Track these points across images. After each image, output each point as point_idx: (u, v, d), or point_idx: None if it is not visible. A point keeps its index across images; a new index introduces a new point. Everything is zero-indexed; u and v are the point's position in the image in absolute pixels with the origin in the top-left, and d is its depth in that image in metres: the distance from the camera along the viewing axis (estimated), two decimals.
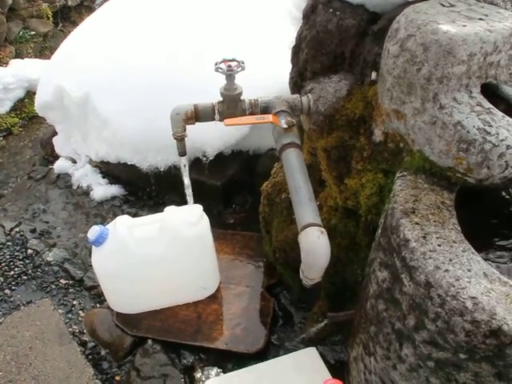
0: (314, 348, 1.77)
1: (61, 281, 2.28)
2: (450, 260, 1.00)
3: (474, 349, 0.94)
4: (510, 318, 0.89)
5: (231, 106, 1.55)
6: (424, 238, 1.05)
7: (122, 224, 1.85)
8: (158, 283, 1.91)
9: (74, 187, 2.93)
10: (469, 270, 0.98)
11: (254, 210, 2.27)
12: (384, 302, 1.18)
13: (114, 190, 2.85)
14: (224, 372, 1.83)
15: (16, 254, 2.44)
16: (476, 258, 1.02)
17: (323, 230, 1.21)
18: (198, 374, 1.83)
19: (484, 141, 1.09)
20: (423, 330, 1.04)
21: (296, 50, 1.71)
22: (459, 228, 1.09)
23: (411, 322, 1.07)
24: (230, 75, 1.50)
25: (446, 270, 0.98)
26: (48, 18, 5.12)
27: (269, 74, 2.30)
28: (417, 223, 1.09)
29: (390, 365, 1.19)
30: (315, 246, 1.19)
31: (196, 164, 2.45)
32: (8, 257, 2.42)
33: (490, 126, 1.11)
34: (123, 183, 2.88)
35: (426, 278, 0.99)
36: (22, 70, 4.09)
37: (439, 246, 1.03)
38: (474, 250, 1.04)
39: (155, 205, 2.73)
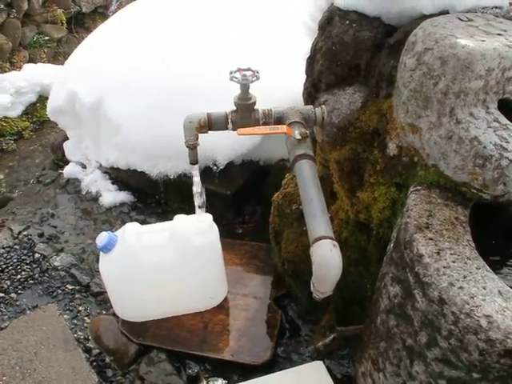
0: (321, 362, 1.75)
1: (67, 286, 2.28)
2: (465, 277, 0.98)
3: (488, 368, 0.92)
4: None
5: (245, 115, 1.54)
6: (438, 253, 1.03)
7: (131, 231, 1.85)
8: (165, 291, 1.90)
9: (83, 192, 2.93)
10: (484, 288, 0.96)
11: (263, 221, 2.26)
12: (395, 318, 1.16)
13: (123, 196, 2.84)
14: (229, 383, 1.82)
15: (23, 257, 2.43)
16: (491, 276, 1.00)
17: (335, 243, 1.20)
18: None
19: (501, 157, 1.08)
20: (435, 348, 1.02)
21: (311, 61, 1.70)
22: (473, 244, 1.08)
23: (423, 339, 1.06)
24: (244, 84, 1.49)
25: (461, 287, 0.96)
26: (62, 24, 5.16)
27: (283, 84, 2.30)
28: (431, 239, 1.07)
29: (400, 382, 1.17)
30: (327, 260, 1.18)
31: (206, 173, 2.44)
32: (15, 260, 2.41)
33: (507, 142, 1.09)
34: (132, 190, 2.88)
35: (439, 294, 0.98)
36: (35, 75, 4.12)
37: (453, 262, 1.02)
38: (488, 268, 1.02)
39: (164, 212, 2.72)
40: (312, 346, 1.87)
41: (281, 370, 1.81)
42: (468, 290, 0.95)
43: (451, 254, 1.04)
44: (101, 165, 2.94)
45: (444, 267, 1.00)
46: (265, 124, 1.55)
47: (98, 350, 1.97)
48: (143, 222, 2.60)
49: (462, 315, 0.93)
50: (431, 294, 1.00)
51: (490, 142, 1.09)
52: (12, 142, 3.75)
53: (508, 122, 1.14)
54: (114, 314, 2.04)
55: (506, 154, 1.08)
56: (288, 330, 2.01)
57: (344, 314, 1.78)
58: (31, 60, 4.68)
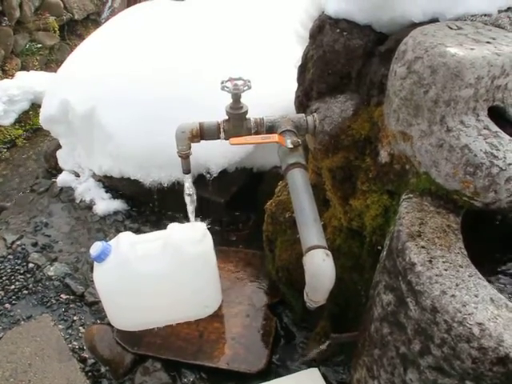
0: (317, 369, 1.75)
1: (62, 296, 2.27)
2: (457, 285, 0.99)
3: (481, 376, 0.93)
4: None
5: (237, 124, 1.54)
6: (430, 262, 1.04)
7: (125, 240, 1.84)
8: (159, 301, 1.89)
9: (77, 201, 2.92)
10: (476, 296, 0.97)
11: (257, 228, 2.25)
12: (389, 326, 1.17)
13: (117, 204, 2.84)
14: None
15: (17, 267, 2.42)
16: (483, 283, 1.00)
17: (328, 252, 1.20)
18: None
19: (491, 164, 1.08)
20: (429, 356, 1.02)
21: (302, 70, 1.71)
22: (465, 252, 1.08)
23: (416, 347, 1.06)
24: (235, 94, 1.49)
25: (453, 296, 0.96)
26: (54, 32, 5.14)
27: (274, 93, 2.30)
28: (423, 247, 1.07)
29: None
30: (320, 269, 1.18)
31: (199, 181, 2.44)
32: (9, 270, 2.40)
33: (498, 149, 1.10)
34: (126, 198, 2.87)
35: (432, 302, 0.98)
36: (28, 83, 4.11)
37: (446, 270, 1.02)
38: (480, 275, 1.02)
39: (158, 220, 2.72)
40: (307, 353, 1.87)
41: (276, 377, 1.81)
42: (460, 298, 0.96)
43: (443, 262, 1.04)
44: (94, 173, 2.94)
45: (436, 275, 1.01)
46: (257, 133, 1.55)
47: (93, 360, 1.96)
48: (137, 230, 2.60)
49: (454, 323, 0.94)
50: (424, 302, 1.00)
51: (481, 150, 1.10)
52: (5, 150, 3.74)
53: (498, 130, 1.15)
54: (109, 324, 2.04)
55: (496, 161, 1.08)
56: (283, 337, 2.01)
57: (339, 321, 1.78)
58: (24, 68, 4.66)
